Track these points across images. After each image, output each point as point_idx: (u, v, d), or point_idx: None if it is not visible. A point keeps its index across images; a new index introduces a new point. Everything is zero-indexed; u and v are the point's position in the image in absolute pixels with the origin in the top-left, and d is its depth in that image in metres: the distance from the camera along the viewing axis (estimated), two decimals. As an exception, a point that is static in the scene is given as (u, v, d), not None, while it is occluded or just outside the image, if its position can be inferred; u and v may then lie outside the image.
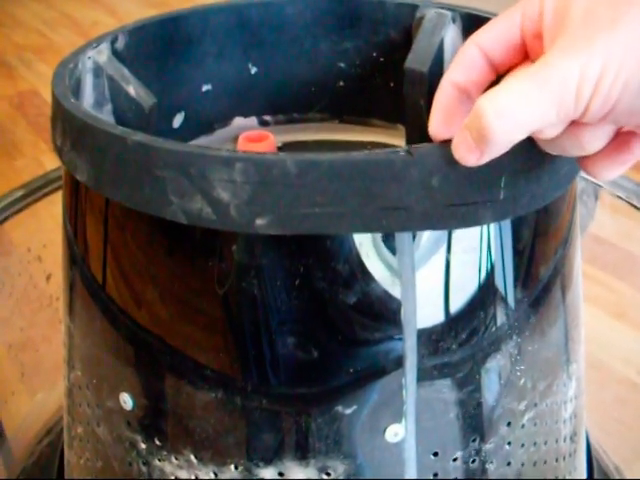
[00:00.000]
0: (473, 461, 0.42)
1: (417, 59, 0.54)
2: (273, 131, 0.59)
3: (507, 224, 0.39)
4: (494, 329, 0.40)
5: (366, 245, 0.36)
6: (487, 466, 0.42)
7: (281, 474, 0.40)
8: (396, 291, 0.37)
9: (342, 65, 0.59)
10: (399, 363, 0.38)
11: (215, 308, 0.38)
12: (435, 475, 0.41)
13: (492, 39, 0.36)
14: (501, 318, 0.40)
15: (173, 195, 0.35)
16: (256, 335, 0.38)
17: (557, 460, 0.47)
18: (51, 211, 0.70)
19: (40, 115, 1.66)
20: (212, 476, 0.41)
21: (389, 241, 0.36)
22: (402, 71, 0.54)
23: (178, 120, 0.56)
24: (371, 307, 0.37)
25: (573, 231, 0.45)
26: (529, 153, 0.35)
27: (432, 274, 0.38)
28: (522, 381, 0.42)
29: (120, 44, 0.51)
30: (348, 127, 0.61)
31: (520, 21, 0.34)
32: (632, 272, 1.05)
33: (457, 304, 0.39)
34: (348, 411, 0.38)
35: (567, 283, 0.45)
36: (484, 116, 0.30)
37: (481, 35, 0.36)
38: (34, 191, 0.74)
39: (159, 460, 0.42)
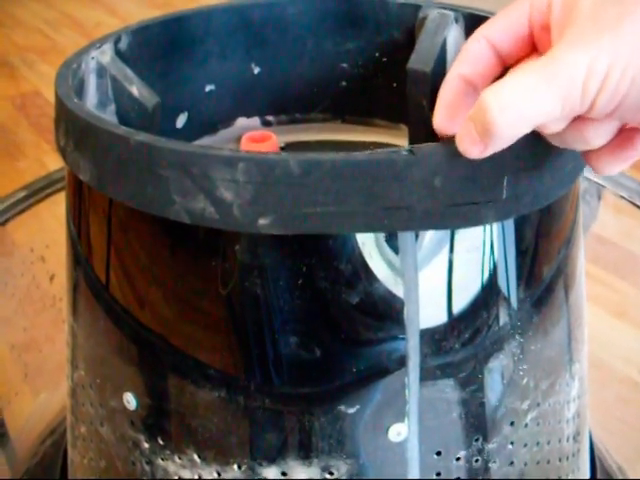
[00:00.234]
0: (476, 460, 0.42)
1: (420, 59, 0.54)
2: (276, 131, 0.59)
3: (510, 223, 0.39)
4: (497, 329, 0.40)
5: (369, 245, 0.36)
6: (490, 465, 0.42)
7: (284, 473, 0.40)
8: (399, 291, 0.37)
9: (345, 65, 0.59)
10: (402, 363, 0.38)
11: (218, 308, 0.38)
12: (438, 474, 0.41)
13: (500, 31, 0.35)
14: (504, 318, 0.40)
15: (176, 195, 0.35)
16: (259, 335, 0.38)
17: (560, 460, 0.47)
18: (54, 212, 0.70)
19: (42, 116, 1.66)
20: (215, 475, 0.41)
21: (392, 241, 0.36)
22: (405, 71, 0.54)
23: (181, 120, 0.56)
24: (374, 307, 0.37)
25: (576, 231, 0.45)
26: (532, 152, 0.35)
27: (435, 274, 0.38)
28: (525, 381, 0.42)
29: (123, 44, 0.51)
30: (351, 127, 0.61)
31: (528, 12, 0.34)
32: (634, 271, 1.05)
33: (460, 304, 0.39)
34: (351, 410, 0.38)
35: (570, 283, 0.45)
36: (488, 110, 0.30)
37: (489, 27, 0.36)
38: (37, 192, 0.74)
39: (162, 460, 0.42)
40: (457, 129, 0.33)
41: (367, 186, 0.33)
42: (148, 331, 0.41)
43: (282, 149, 0.59)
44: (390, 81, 0.58)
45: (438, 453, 0.40)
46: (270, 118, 0.60)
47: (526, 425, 0.43)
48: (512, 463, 0.43)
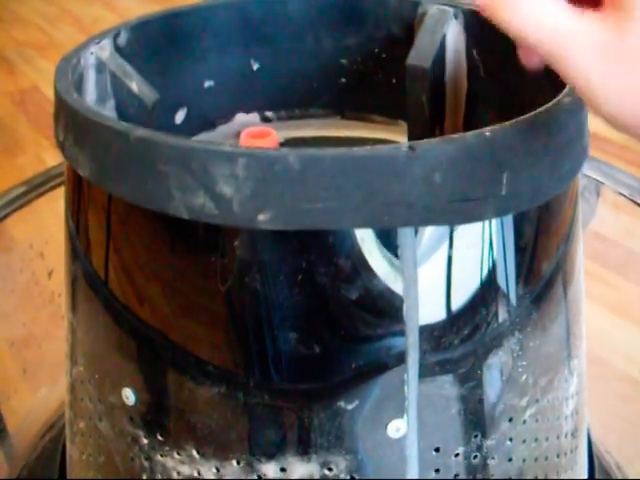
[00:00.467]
0: (475, 457, 0.42)
1: (419, 55, 0.54)
2: (275, 127, 0.59)
3: (509, 220, 0.39)
4: (496, 325, 0.40)
5: (368, 241, 0.36)
6: (489, 462, 0.42)
7: (283, 469, 0.40)
8: (398, 287, 0.37)
9: (344, 61, 0.59)
10: (401, 359, 0.38)
11: (217, 303, 0.38)
12: (437, 471, 0.41)
13: None
14: (503, 314, 0.40)
15: (175, 190, 0.35)
16: (258, 331, 0.38)
17: (558, 456, 0.47)
18: (53, 207, 0.70)
19: (41, 112, 1.66)
20: (214, 471, 0.41)
21: (391, 237, 0.36)
22: (404, 67, 0.54)
23: (180, 116, 0.56)
24: (373, 303, 0.37)
25: (575, 227, 0.45)
26: (531, 149, 0.35)
27: (434, 270, 0.38)
28: (524, 377, 0.42)
29: (122, 40, 0.51)
30: (350, 123, 0.61)
31: None
32: (633, 269, 1.05)
33: (459, 300, 0.39)
34: (350, 407, 0.38)
35: (569, 279, 0.45)
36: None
37: None
38: (36, 187, 0.74)
39: (161, 455, 0.42)
40: None
41: (367, 182, 0.33)
42: (147, 326, 0.41)
43: (281, 145, 0.59)
44: (389, 77, 0.58)
45: (437, 449, 0.40)
46: (269, 114, 0.60)
47: (525, 421, 0.43)
48: (511, 459, 0.43)
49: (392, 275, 0.37)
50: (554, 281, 0.43)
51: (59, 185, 0.74)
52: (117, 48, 0.50)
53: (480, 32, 0.53)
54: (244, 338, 0.38)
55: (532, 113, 0.36)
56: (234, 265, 0.37)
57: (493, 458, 0.42)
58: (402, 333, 0.38)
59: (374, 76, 0.59)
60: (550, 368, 0.44)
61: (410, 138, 0.57)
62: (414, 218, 0.34)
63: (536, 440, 0.44)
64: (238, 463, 0.40)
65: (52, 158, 1.37)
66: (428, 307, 0.38)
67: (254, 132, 0.56)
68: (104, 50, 0.49)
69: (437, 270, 0.38)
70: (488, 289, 0.39)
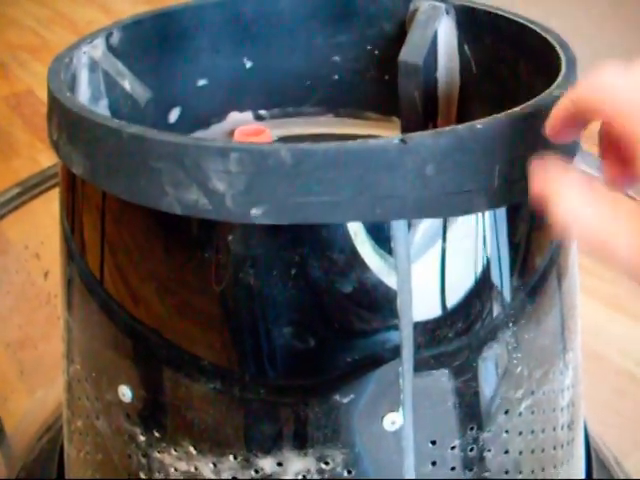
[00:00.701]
0: (471, 449, 0.42)
1: (411, 52, 0.54)
2: (268, 125, 0.59)
3: (502, 212, 0.39)
4: (490, 318, 0.40)
5: (361, 234, 0.36)
6: (485, 454, 0.42)
7: (280, 464, 0.40)
8: (392, 280, 0.37)
9: (337, 59, 0.59)
10: (396, 352, 0.38)
11: (212, 299, 0.38)
12: (433, 463, 0.41)
13: None
14: (497, 307, 0.40)
15: (169, 186, 0.35)
16: (253, 326, 0.38)
17: (555, 448, 0.47)
18: (48, 208, 0.70)
19: (36, 115, 1.66)
20: (211, 467, 0.41)
21: (384, 230, 0.36)
22: (396, 64, 0.54)
23: (174, 115, 0.56)
24: (367, 297, 0.37)
25: (568, 220, 0.45)
26: (523, 141, 0.35)
27: (427, 263, 0.38)
28: (519, 369, 0.42)
29: (115, 39, 0.51)
30: (343, 120, 0.61)
31: None
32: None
33: (453, 293, 0.39)
34: (346, 400, 0.38)
35: (563, 272, 0.45)
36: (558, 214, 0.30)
37: None
38: (30, 188, 0.74)
39: (158, 452, 0.42)
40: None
41: (359, 175, 0.33)
42: (142, 323, 0.41)
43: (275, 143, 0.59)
44: (382, 74, 0.58)
45: (433, 442, 0.41)
46: (263, 112, 0.60)
47: (520, 414, 0.43)
48: (507, 452, 0.43)
49: (385, 269, 0.37)
50: (548, 274, 0.43)
51: (54, 186, 0.74)
52: (110, 47, 0.50)
53: (472, 28, 0.53)
54: (239, 334, 0.38)
55: (523, 105, 0.36)
56: (228, 260, 0.37)
57: (489, 450, 0.42)
58: (396, 327, 0.38)
59: (367, 73, 0.59)
60: (545, 360, 0.44)
61: (404, 134, 0.57)
62: (406, 211, 0.34)
63: (532, 432, 0.44)
64: (235, 458, 0.40)
65: (47, 161, 1.37)
66: (422, 301, 0.38)
67: (248, 130, 0.56)
68: (97, 49, 0.49)
69: (430, 263, 0.38)
70: (482, 282, 0.40)
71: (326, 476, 0.40)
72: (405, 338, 0.38)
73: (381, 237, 0.36)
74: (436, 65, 0.55)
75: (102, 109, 0.50)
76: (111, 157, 0.37)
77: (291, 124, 0.61)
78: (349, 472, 0.40)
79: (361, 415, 0.39)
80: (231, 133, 0.59)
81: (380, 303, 0.37)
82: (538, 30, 0.47)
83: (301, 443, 0.39)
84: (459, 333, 0.39)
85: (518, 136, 0.35)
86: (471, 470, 0.42)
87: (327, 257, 0.36)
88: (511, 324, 0.41)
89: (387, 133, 0.60)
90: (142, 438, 0.43)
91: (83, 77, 0.48)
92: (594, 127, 0.33)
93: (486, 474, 0.43)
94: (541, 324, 0.43)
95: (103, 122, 0.37)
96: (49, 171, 0.76)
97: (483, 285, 0.40)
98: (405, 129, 0.57)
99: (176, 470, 0.42)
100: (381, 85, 0.59)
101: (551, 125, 0.33)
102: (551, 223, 0.31)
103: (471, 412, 0.41)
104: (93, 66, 0.49)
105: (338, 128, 0.61)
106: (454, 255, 0.38)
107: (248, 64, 0.59)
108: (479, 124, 0.34)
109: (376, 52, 0.58)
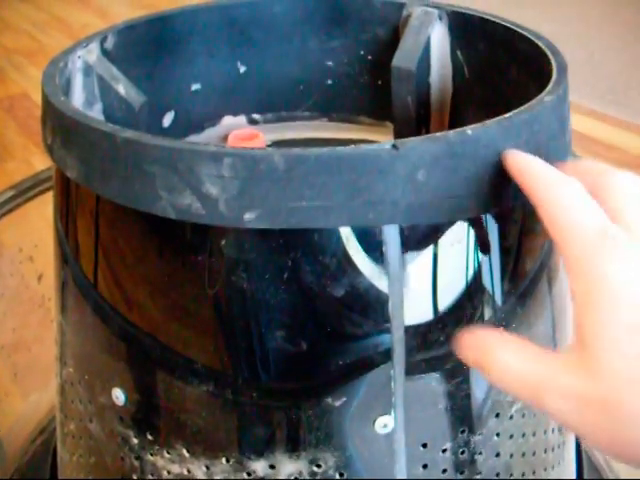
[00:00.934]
0: (462, 452, 0.42)
1: (404, 57, 0.54)
2: (262, 130, 0.59)
3: (493, 217, 0.39)
4: (482, 322, 0.41)
5: (353, 239, 0.36)
6: (476, 457, 0.43)
7: (272, 467, 0.40)
8: (383, 284, 0.37)
9: (330, 63, 0.59)
10: (387, 356, 0.38)
11: (205, 303, 0.39)
12: (425, 466, 0.41)
13: None
14: (488, 310, 0.41)
15: (162, 190, 0.35)
16: (246, 329, 0.38)
17: (546, 451, 0.47)
18: (42, 211, 0.71)
19: (30, 118, 1.66)
20: (204, 470, 0.41)
21: (376, 234, 0.36)
22: (389, 69, 0.55)
23: (168, 119, 0.57)
24: (359, 300, 0.37)
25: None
26: (513, 146, 0.36)
27: (419, 267, 0.38)
28: (510, 373, 0.42)
29: (109, 44, 0.51)
30: (336, 125, 0.61)
31: None
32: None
33: (444, 297, 0.39)
34: (338, 403, 0.39)
35: (553, 275, 0.45)
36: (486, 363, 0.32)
37: None
38: (24, 191, 0.74)
39: (151, 455, 0.43)
40: None
41: (351, 180, 0.34)
42: (135, 327, 0.41)
43: (268, 147, 0.59)
44: (375, 79, 0.59)
45: (424, 445, 0.41)
46: (256, 116, 0.61)
47: (511, 417, 0.43)
48: (498, 454, 0.43)
49: (377, 273, 0.37)
50: (539, 278, 0.44)
51: (48, 189, 0.74)
52: (104, 52, 0.50)
53: (465, 33, 0.53)
54: (232, 337, 0.39)
55: (514, 111, 0.37)
56: (221, 264, 0.37)
57: (480, 453, 0.43)
58: (388, 330, 0.38)
59: (360, 78, 0.59)
60: (536, 364, 0.44)
61: (396, 139, 0.57)
62: (398, 216, 0.35)
63: (523, 435, 0.45)
64: (227, 461, 0.41)
65: (41, 164, 1.37)
66: (414, 304, 0.38)
67: (241, 134, 0.57)
68: (91, 54, 0.49)
69: (422, 267, 0.38)
70: (473, 286, 0.40)
71: (318, 478, 0.40)
72: (396, 342, 0.38)
73: (373, 242, 0.36)
74: (429, 70, 0.55)
75: (96, 113, 0.50)
76: (105, 161, 0.37)
77: (285, 128, 0.61)
78: (341, 475, 0.40)
79: (353, 418, 0.39)
80: (225, 137, 0.59)
81: (372, 307, 0.38)
82: (530, 36, 0.47)
83: (293, 446, 0.40)
84: (451, 336, 0.40)
85: (508, 141, 0.35)
86: (462, 473, 0.42)
87: (319, 261, 0.36)
88: (502, 327, 0.41)
89: (380, 138, 0.60)
90: (135, 441, 0.43)
91: (78, 81, 0.49)
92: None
93: (477, 477, 0.43)
94: (532, 328, 0.44)
95: (97, 126, 0.37)
96: (43, 174, 0.76)
97: (474, 289, 0.40)
98: (398, 134, 0.58)
99: (169, 473, 0.42)
100: (374, 90, 0.59)
101: None
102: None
103: (462, 415, 0.41)
104: (88, 70, 0.49)
105: (331, 132, 0.61)
106: (445, 259, 0.38)
107: (242, 68, 0.59)
108: (469, 130, 0.35)
109: (369, 57, 0.58)
